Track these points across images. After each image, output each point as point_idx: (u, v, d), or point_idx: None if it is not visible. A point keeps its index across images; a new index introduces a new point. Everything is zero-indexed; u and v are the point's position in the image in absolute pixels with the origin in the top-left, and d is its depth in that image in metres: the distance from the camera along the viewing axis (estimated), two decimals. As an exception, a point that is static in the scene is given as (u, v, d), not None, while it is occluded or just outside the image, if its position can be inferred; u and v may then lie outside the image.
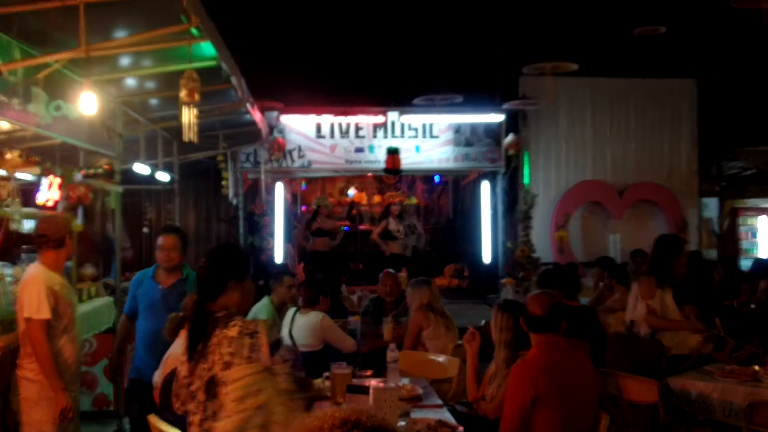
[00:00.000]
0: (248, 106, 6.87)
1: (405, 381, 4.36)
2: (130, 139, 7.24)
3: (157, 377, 3.80)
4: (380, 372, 4.46)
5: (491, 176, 11.62)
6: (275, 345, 2.72)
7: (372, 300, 6.66)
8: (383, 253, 10.46)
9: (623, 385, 4.54)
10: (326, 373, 4.29)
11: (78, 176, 5.85)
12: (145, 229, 9.37)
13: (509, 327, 3.92)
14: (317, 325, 5.47)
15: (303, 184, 14.38)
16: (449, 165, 11.29)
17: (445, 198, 14.89)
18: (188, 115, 4.39)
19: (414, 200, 11.27)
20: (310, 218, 10.64)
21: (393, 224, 10.49)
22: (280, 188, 11.40)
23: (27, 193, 6.19)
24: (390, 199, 11.24)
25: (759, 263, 8.71)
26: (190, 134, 4.43)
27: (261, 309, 5.88)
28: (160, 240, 4.82)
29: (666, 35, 9.10)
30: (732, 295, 6.71)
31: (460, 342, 5.23)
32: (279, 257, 10.86)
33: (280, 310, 6.02)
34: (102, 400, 6.39)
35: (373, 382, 3.84)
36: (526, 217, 11.14)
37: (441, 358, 5.15)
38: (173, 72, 4.87)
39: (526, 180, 11.53)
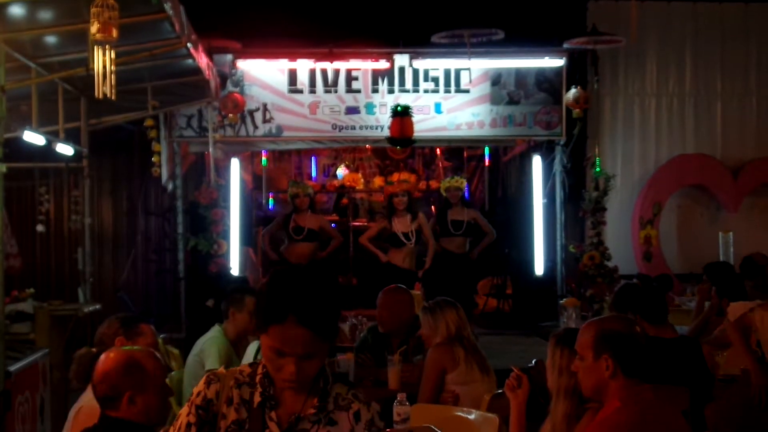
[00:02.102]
0: (190, 46, 6.87)
1: (420, 448, 4.38)
2: (16, 95, 7.23)
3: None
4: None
5: (546, 149, 11.62)
6: None
7: (371, 330, 6.67)
8: (378, 258, 10.48)
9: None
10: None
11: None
12: (40, 227, 9.39)
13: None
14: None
15: (263, 161, 14.38)
16: (484, 132, 11.28)
17: (478, 180, 14.89)
18: (102, 60, 4.41)
19: (460, 182, 11.07)
20: (288, 213, 10.64)
21: (399, 224, 10.43)
22: (236, 167, 11.40)
23: None
24: (391, 187, 11.11)
25: None
26: (105, 88, 4.45)
27: (210, 343, 5.90)
28: None
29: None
30: None
31: (500, 390, 5.24)
32: (235, 267, 10.87)
33: (237, 345, 6.03)
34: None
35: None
36: (597, 209, 11.13)
37: (472, 415, 5.16)
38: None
39: (597, 154, 11.52)
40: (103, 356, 3.43)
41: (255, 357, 5.61)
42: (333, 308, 2.42)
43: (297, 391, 2.43)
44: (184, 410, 2.45)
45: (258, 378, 2.45)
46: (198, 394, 2.45)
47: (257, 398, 2.42)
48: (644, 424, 3.40)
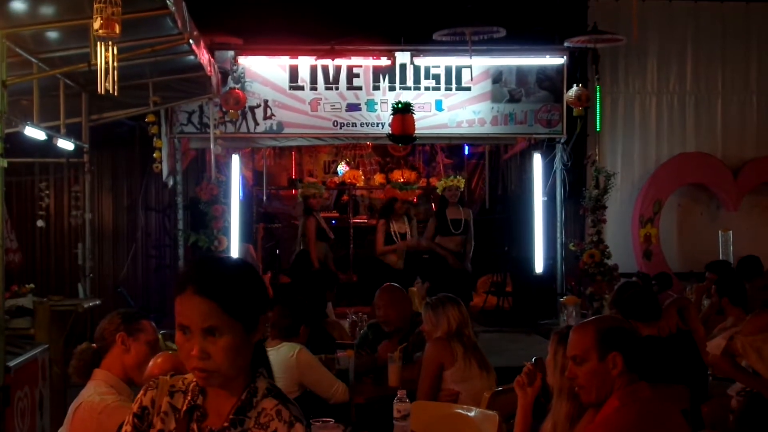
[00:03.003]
0: (191, 42, 6.87)
1: (420, 445, 4.38)
2: (18, 90, 7.23)
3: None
4: (384, 432, 4.49)
5: (547, 147, 11.61)
6: None
7: (371, 327, 6.68)
8: (389, 266, 10.60)
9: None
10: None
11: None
12: (41, 222, 9.40)
13: (575, 367, 3.91)
14: (292, 363, 5.49)
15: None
16: (485, 129, 11.28)
17: (479, 178, 14.90)
18: (105, 56, 4.41)
19: (459, 181, 11.13)
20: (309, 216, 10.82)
21: (396, 225, 10.61)
22: (236, 163, 11.40)
23: None
24: (397, 192, 11.14)
25: None
26: (107, 84, 4.45)
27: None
28: None
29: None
30: None
31: (500, 388, 5.25)
32: (235, 264, 10.85)
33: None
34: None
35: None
36: (597, 207, 11.14)
37: (472, 413, 5.16)
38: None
39: (598, 153, 11.53)
40: (152, 361, 3.45)
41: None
42: (241, 283, 2.26)
43: (223, 401, 2.27)
44: (126, 418, 2.37)
45: (192, 385, 2.32)
46: (137, 401, 2.36)
47: (185, 407, 2.29)
48: (644, 423, 3.40)
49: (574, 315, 9.65)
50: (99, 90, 4.54)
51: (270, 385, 2.31)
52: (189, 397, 2.30)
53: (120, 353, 3.93)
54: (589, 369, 3.43)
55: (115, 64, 4.50)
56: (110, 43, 4.42)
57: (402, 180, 14.15)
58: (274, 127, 11.00)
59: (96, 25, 4.27)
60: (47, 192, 9.95)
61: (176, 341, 2.24)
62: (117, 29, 4.28)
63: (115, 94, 4.62)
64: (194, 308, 2.20)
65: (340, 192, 14.92)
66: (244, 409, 2.26)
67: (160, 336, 4.63)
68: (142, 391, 2.36)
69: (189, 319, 2.20)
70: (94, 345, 4.06)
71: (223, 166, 11.15)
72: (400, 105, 10.42)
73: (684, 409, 4.65)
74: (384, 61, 11.03)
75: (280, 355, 5.54)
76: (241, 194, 12.06)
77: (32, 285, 7.73)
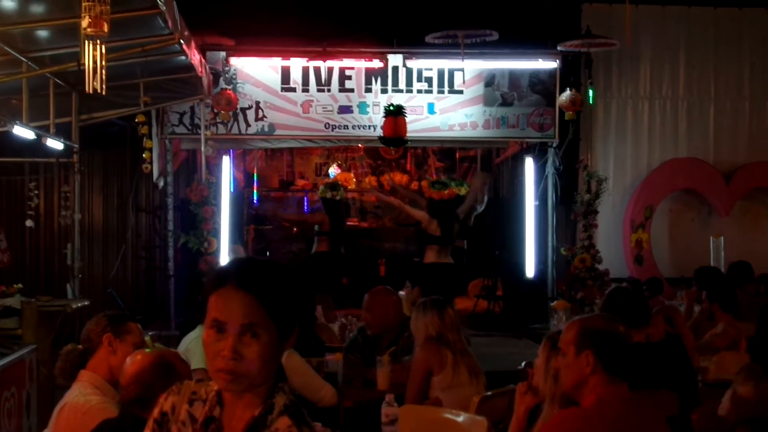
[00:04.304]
0: (182, 42, 6.85)
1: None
2: (7, 89, 7.21)
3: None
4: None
5: (539, 151, 11.62)
6: None
7: (361, 330, 6.66)
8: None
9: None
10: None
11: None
12: (30, 222, 9.36)
13: (567, 373, 3.88)
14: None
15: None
16: (477, 133, 11.29)
17: (470, 182, 14.89)
18: (93, 55, 4.39)
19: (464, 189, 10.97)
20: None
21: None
22: (227, 165, 11.38)
23: None
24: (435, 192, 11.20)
25: None
26: (95, 83, 4.42)
27: (196, 342, 5.87)
28: None
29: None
30: None
31: (489, 393, 5.23)
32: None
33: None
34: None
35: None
36: (588, 212, 11.16)
37: (461, 417, 5.15)
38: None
39: (590, 157, 11.54)
40: (129, 359, 3.37)
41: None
42: (284, 282, 2.14)
43: (239, 416, 2.14)
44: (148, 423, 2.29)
45: (212, 395, 2.20)
46: (157, 405, 2.27)
47: (202, 418, 2.18)
48: (620, 421, 3.40)
49: (565, 320, 9.66)
50: (87, 89, 4.51)
51: (289, 402, 2.16)
52: (206, 408, 2.19)
53: (106, 355, 3.90)
54: (567, 362, 3.49)
55: (104, 63, 4.48)
56: (98, 41, 4.40)
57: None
58: (266, 129, 10.99)
59: (84, 23, 4.25)
60: (37, 192, 9.90)
61: (204, 340, 2.10)
62: (105, 28, 4.27)
63: (103, 93, 4.59)
64: (235, 302, 2.07)
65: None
66: (257, 427, 2.12)
67: (147, 338, 4.61)
68: (163, 396, 2.27)
69: (227, 314, 2.06)
70: (80, 346, 4.04)
71: (214, 168, 11.13)
72: (392, 107, 10.40)
73: (673, 416, 4.63)
74: (376, 64, 11.03)
75: (269, 357, 5.51)
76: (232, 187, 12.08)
77: (20, 285, 7.70)
